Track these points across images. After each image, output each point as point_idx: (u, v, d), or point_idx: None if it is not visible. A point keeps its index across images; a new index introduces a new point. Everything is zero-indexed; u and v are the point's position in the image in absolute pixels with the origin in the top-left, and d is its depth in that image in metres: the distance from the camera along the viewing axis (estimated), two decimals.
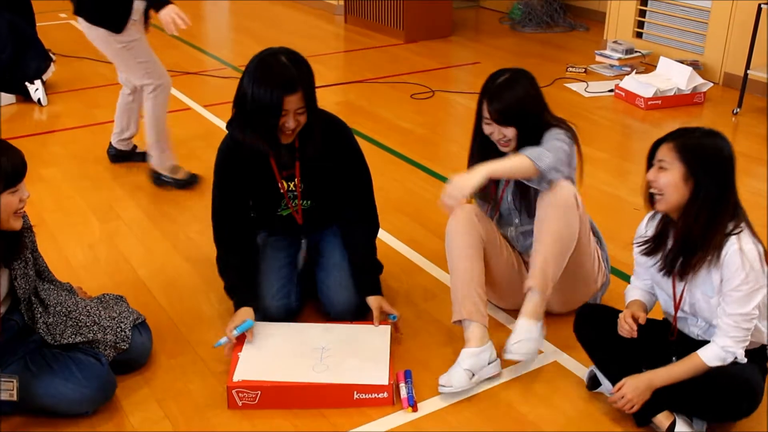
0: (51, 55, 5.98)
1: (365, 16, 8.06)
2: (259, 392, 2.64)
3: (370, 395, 2.62)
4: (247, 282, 2.99)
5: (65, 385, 2.51)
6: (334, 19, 8.52)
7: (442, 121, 5.44)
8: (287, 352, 2.80)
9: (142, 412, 2.65)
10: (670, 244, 2.47)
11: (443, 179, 4.35)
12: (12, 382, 2.42)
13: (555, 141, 2.79)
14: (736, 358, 2.38)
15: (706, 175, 2.32)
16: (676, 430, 2.45)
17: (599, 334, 2.66)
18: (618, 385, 2.52)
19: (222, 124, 5.23)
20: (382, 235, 3.71)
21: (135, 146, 4.65)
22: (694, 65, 6.03)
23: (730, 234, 2.33)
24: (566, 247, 2.80)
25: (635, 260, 2.65)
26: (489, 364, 2.76)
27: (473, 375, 2.71)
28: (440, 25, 7.70)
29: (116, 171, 4.55)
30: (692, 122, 5.41)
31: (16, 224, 2.43)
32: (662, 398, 2.47)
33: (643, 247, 2.55)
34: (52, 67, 5.92)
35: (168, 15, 3.80)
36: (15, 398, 2.42)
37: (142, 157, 4.53)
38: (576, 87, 6.09)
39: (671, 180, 2.34)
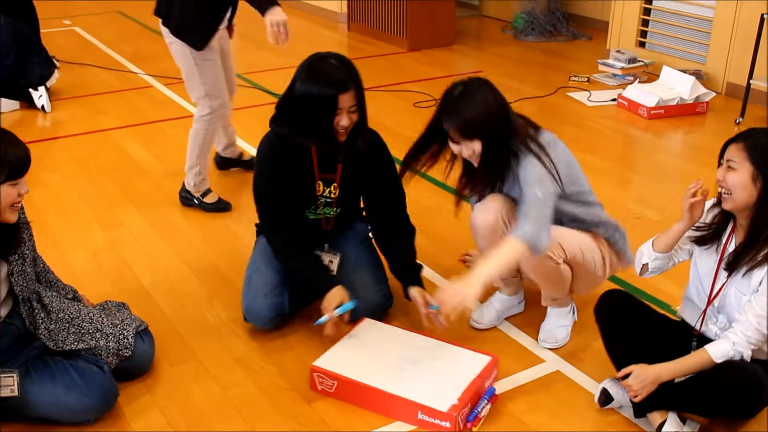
0: (55, 61, 6.01)
1: (368, 23, 8.08)
2: (336, 383, 2.70)
3: (433, 420, 2.56)
4: (320, 266, 3.04)
5: (67, 394, 2.51)
6: (337, 27, 8.54)
7: None
8: (377, 353, 2.83)
9: (144, 419, 2.65)
10: (734, 240, 2.46)
11: (445, 187, 4.36)
12: (12, 377, 2.44)
13: (534, 190, 2.68)
14: (742, 357, 2.38)
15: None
16: (664, 429, 2.47)
17: (622, 323, 2.65)
18: (625, 370, 2.51)
19: None
20: None
21: (241, 153, 4.67)
22: (697, 75, 6.03)
23: None
24: (563, 287, 2.92)
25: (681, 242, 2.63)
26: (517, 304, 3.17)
27: (502, 314, 3.13)
28: (443, 34, 7.70)
29: (119, 178, 4.56)
30: (695, 132, 5.42)
31: (12, 217, 2.44)
32: (668, 393, 2.47)
33: (698, 233, 2.53)
34: (56, 74, 5.94)
35: (275, 24, 3.64)
36: (17, 393, 2.43)
37: (249, 165, 4.56)
38: (579, 96, 6.09)
39: (739, 180, 2.34)
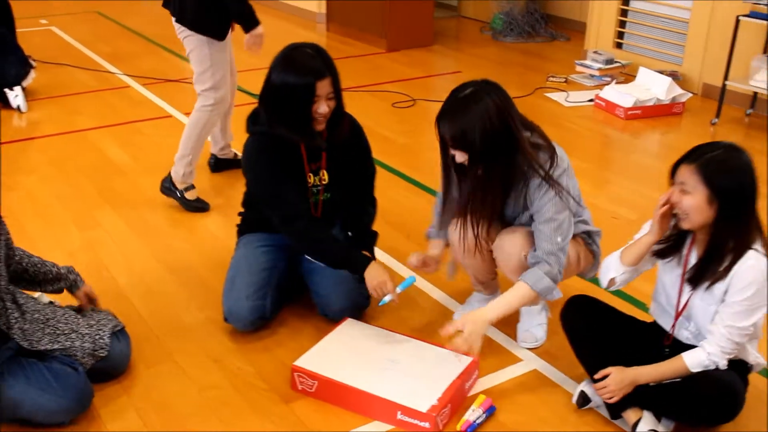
0: (31, 61, 5.96)
1: (347, 24, 8.07)
2: (316, 383, 2.69)
3: (412, 420, 2.56)
4: (349, 244, 3.11)
5: (41, 395, 2.49)
6: (316, 27, 8.53)
7: (423, 129, 5.45)
8: (359, 354, 2.82)
9: (120, 420, 2.63)
10: (694, 252, 2.45)
11: (425, 188, 4.37)
12: None
13: (550, 228, 2.68)
14: (717, 367, 2.40)
15: (731, 197, 2.29)
16: (638, 429, 2.48)
17: (588, 328, 2.66)
18: (603, 372, 2.52)
19: None
20: None
21: (235, 153, 4.64)
22: (673, 76, 6.08)
23: (747, 246, 2.33)
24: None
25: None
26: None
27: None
28: (422, 35, 7.72)
29: (96, 179, 4.53)
30: (671, 132, 5.46)
31: None
32: (643, 396, 2.49)
33: (659, 246, 2.52)
34: (32, 74, 5.90)
35: (254, 36, 4.05)
36: None
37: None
38: (556, 96, 6.12)
39: (695, 203, 2.32)
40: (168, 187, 4.17)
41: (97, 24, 8.55)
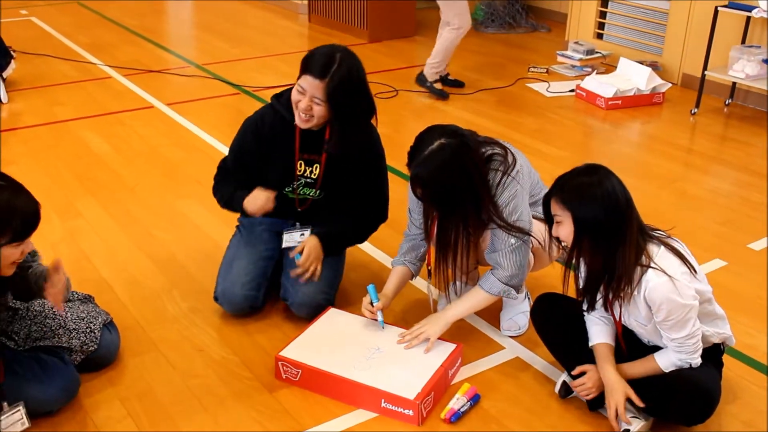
0: (11, 52, 5.90)
1: (329, 15, 8.05)
2: (300, 371, 2.69)
3: (396, 408, 2.57)
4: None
5: (29, 385, 2.47)
6: (298, 18, 8.49)
7: (406, 120, 5.45)
8: (343, 343, 2.82)
9: (105, 410, 2.62)
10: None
11: (407, 178, 4.36)
12: (19, 410, 2.39)
13: (509, 234, 2.73)
14: (690, 364, 2.42)
15: (588, 217, 2.31)
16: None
17: (558, 327, 2.70)
18: (580, 369, 2.56)
19: (186, 123, 5.22)
20: None
21: (447, 74, 6.04)
22: (653, 66, 6.10)
23: (643, 266, 2.32)
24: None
25: None
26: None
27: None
28: (404, 25, 7.70)
29: (78, 169, 4.50)
30: (651, 122, 5.48)
31: (9, 272, 2.31)
32: None
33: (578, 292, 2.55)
34: (13, 65, 5.84)
35: None
36: (28, 424, 2.40)
37: (441, 94, 5.86)
38: (538, 87, 6.13)
39: (567, 231, 2.36)
40: (421, 79, 5.88)
41: (78, 14, 8.48)
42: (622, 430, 2.45)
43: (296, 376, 2.72)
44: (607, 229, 2.31)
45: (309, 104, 2.81)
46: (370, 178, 3.10)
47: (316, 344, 2.81)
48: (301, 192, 3.07)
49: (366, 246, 3.62)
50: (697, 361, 2.42)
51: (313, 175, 3.04)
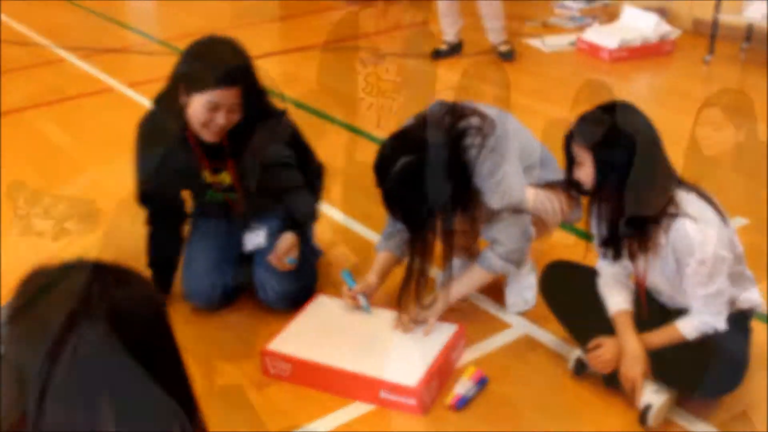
0: None
1: None
2: (290, 365, 2.70)
3: (397, 397, 2.57)
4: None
5: None
6: None
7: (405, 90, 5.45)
8: (334, 332, 2.83)
9: None
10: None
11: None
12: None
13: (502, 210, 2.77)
14: (716, 329, 2.42)
15: (610, 158, 2.33)
16: (643, 402, 2.48)
17: (570, 298, 2.71)
18: (596, 342, 2.56)
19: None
20: (333, 213, 3.73)
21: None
22: (661, 12, 6.10)
23: (672, 213, 2.33)
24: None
25: None
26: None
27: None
28: None
29: (36, 162, 4.49)
30: (661, 74, 5.50)
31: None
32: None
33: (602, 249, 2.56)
34: None
35: None
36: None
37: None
38: (535, 42, 6.13)
39: (588, 173, 2.38)
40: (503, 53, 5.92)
41: None
42: (642, 406, 2.47)
43: (286, 371, 2.73)
44: (631, 171, 2.30)
45: (228, 117, 2.78)
46: (292, 156, 3.08)
47: (305, 335, 2.83)
48: (228, 196, 3.09)
49: (359, 227, 3.63)
50: (721, 324, 2.42)
51: (226, 182, 3.04)
